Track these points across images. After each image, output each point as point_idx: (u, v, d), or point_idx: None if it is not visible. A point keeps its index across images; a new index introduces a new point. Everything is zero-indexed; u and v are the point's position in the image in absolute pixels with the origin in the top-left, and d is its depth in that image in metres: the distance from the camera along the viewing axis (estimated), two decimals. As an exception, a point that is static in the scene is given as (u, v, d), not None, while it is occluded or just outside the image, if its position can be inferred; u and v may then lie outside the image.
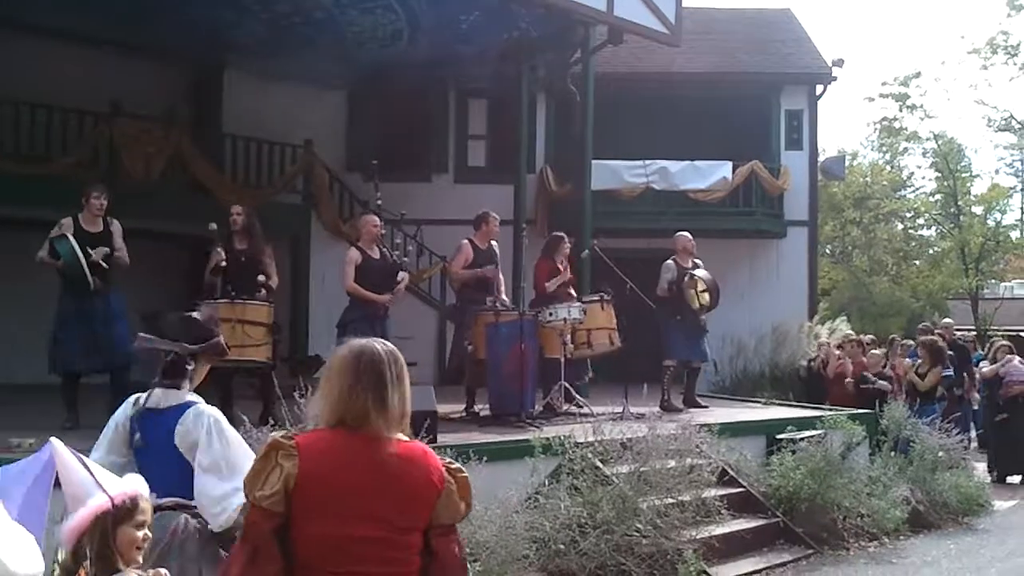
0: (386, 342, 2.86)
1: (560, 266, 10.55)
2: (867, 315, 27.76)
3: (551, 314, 9.72)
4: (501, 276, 10.09)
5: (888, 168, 35.44)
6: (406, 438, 2.79)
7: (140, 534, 3.05)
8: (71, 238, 8.10)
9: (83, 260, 8.04)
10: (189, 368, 3.95)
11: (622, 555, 6.93)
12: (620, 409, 9.77)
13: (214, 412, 3.85)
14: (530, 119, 15.49)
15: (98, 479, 3.06)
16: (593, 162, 13.64)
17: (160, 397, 3.91)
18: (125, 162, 13.27)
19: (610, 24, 12.84)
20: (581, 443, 7.74)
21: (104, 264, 8.23)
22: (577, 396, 10.03)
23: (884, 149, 35.86)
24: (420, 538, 2.74)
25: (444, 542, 2.78)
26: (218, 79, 15.56)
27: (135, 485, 3.14)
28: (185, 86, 15.64)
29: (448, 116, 17.73)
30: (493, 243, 10.04)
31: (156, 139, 13.84)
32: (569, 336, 9.84)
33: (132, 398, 4.03)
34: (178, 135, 14.04)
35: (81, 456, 3.15)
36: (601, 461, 7.67)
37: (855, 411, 10.96)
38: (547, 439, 7.68)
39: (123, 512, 3.03)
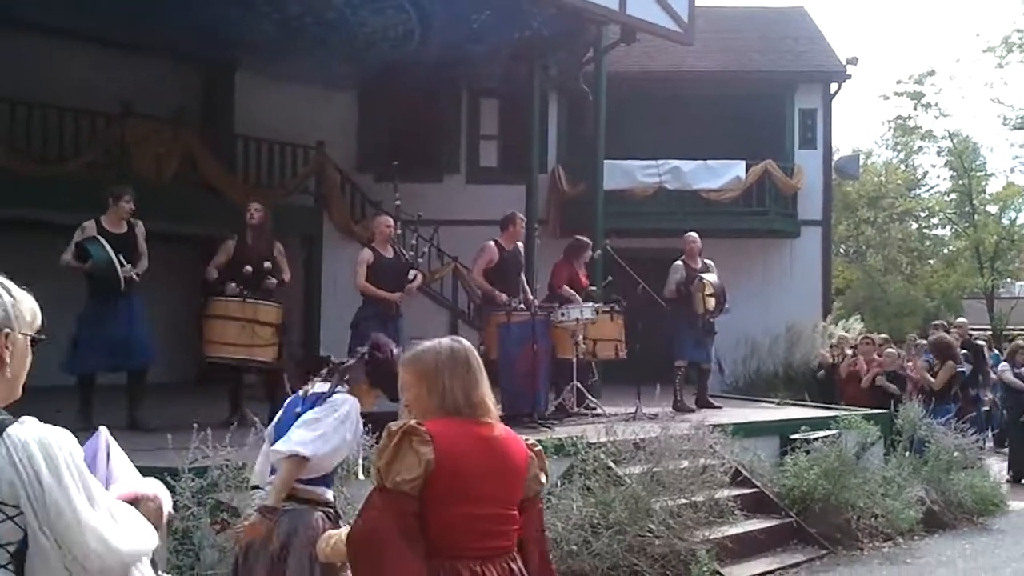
0: (459, 339, 3.09)
1: (579, 271, 10.51)
2: (881, 315, 27.65)
3: (563, 314, 9.69)
4: (524, 279, 10.08)
5: (902, 167, 35.29)
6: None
7: None
8: (103, 240, 8.10)
9: (116, 262, 8.03)
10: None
11: (635, 556, 6.90)
12: (633, 409, 9.76)
13: None
14: (542, 119, 15.47)
15: (109, 482, 3.05)
16: (605, 162, 13.62)
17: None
18: (136, 163, 13.29)
19: (622, 23, 12.82)
20: (594, 443, 7.72)
21: (136, 277, 8.25)
22: (589, 397, 10.00)
23: (898, 148, 35.70)
24: (517, 513, 2.96)
25: (535, 511, 3.04)
26: (229, 80, 15.58)
27: (133, 487, 3.12)
28: (196, 87, 15.66)
29: (460, 116, 17.72)
30: (519, 244, 10.00)
31: (166, 140, 13.88)
32: (581, 337, 9.81)
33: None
34: (188, 136, 14.07)
35: (110, 452, 3.14)
36: (614, 461, 7.65)
37: (869, 411, 10.90)
38: (559, 439, 7.66)
39: None
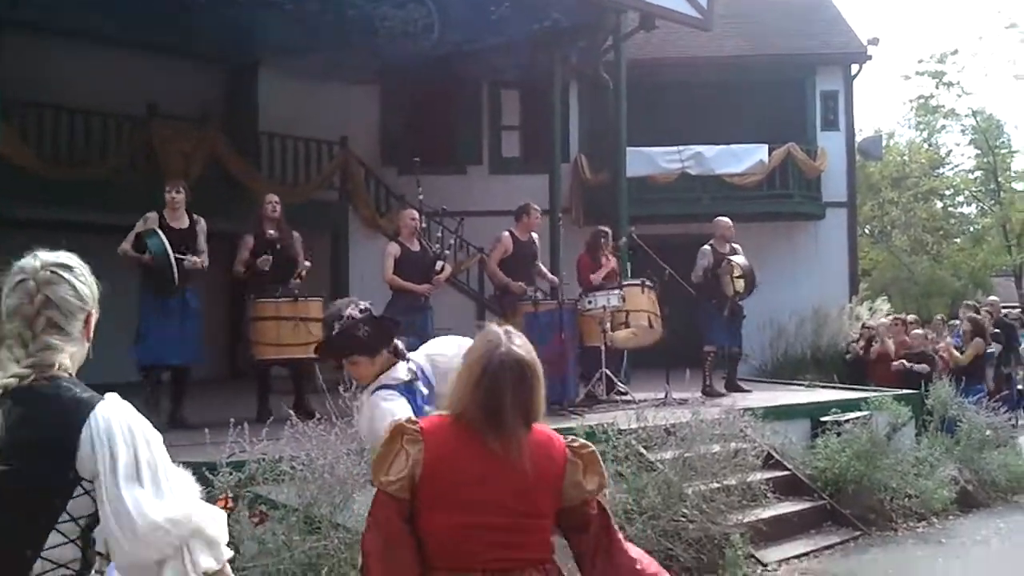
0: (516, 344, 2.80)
1: (604, 259, 10.54)
2: (908, 295, 27.46)
3: (590, 302, 9.73)
4: (542, 266, 10.14)
5: (926, 146, 35.00)
6: None
7: None
8: (160, 233, 8.11)
9: (172, 256, 8.05)
10: None
11: (669, 540, 6.92)
12: (662, 395, 9.78)
13: None
14: (563, 108, 15.45)
15: None
16: (628, 149, 13.61)
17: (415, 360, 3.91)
18: (163, 163, 13.41)
19: (642, 10, 12.82)
20: (624, 430, 7.73)
21: (195, 264, 8.31)
22: (619, 383, 10.03)
23: (921, 127, 35.40)
24: (550, 523, 2.71)
25: (590, 519, 2.75)
26: (252, 78, 15.67)
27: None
28: (220, 86, 15.76)
29: (481, 107, 17.72)
30: (533, 235, 10.05)
31: (192, 139, 13.99)
32: (609, 324, 9.83)
33: (403, 373, 3.83)
34: (213, 135, 14.18)
35: None
36: (645, 447, 7.67)
37: (900, 392, 10.87)
38: (590, 427, 7.68)
39: None
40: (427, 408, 3.67)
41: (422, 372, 3.82)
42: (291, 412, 6.24)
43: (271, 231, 8.92)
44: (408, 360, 3.86)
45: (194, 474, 3.31)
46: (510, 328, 2.82)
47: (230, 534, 5.64)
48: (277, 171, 15.40)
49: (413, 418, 2.74)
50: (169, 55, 14.30)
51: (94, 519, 2.07)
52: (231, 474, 5.78)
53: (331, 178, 15.85)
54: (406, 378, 3.79)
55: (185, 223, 8.43)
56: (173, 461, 3.30)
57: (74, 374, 2.23)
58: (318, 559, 5.35)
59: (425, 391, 3.83)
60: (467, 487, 2.57)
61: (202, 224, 8.56)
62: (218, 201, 13.43)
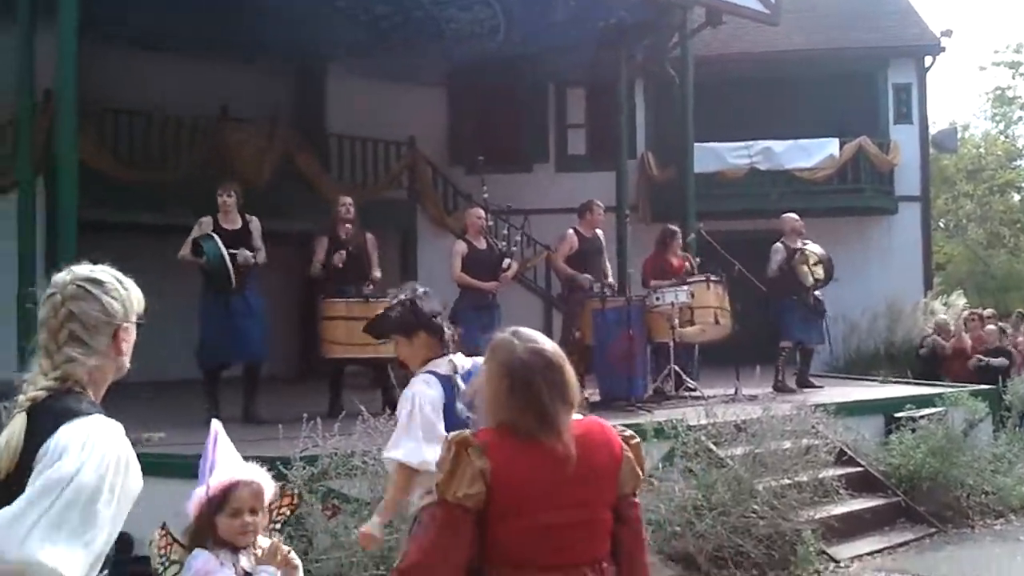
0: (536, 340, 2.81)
1: (673, 260, 10.49)
2: (985, 289, 26.89)
3: (658, 298, 9.71)
4: (608, 264, 10.14)
5: (1002, 138, 34.22)
6: (580, 416, 2.76)
7: (238, 522, 3.17)
8: (216, 237, 8.34)
9: (227, 259, 8.25)
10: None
11: (739, 537, 6.89)
12: (732, 391, 9.72)
13: None
14: (629, 105, 15.44)
15: (211, 468, 3.23)
16: (695, 145, 13.53)
17: (462, 360, 3.90)
18: (236, 165, 13.67)
19: (708, 6, 12.74)
20: (694, 426, 7.72)
21: (253, 261, 8.50)
22: (687, 380, 9.99)
23: (997, 119, 34.63)
24: (611, 516, 2.74)
25: (633, 510, 2.80)
26: (321, 80, 15.90)
27: (232, 473, 3.27)
28: (290, 89, 16.01)
29: (547, 106, 17.75)
30: (598, 231, 10.07)
31: (263, 141, 14.24)
32: (677, 320, 9.79)
33: (444, 367, 3.86)
34: (284, 136, 14.42)
35: (217, 442, 3.30)
36: (715, 443, 7.64)
37: (976, 387, 10.65)
38: (659, 423, 7.67)
39: (215, 504, 3.18)
40: (462, 408, 3.68)
41: (468, 375, 3.78)
42: (361, 408, 6.33)
43: (345, 233, 9.05)
44: (450, 355, 3.89)
45: (269, 469, 3.43)
46: (515, 328, 2.82)
47: (304, 527, 5.76)
48: (346, 172, 15.62)
49: (473, 431, 2.72)
50: (240, 59, 14.56)
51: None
52: (304, 468, 5.90)
53: (399, 178, 16.02)
54: (444, 372, 3.82)
55: (238, 224, 8.63)
56: (246, 456, 3.41)
57: (102, 389, 2.28)
58: (390, 552, 5.41)
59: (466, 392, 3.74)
60: (532, 490, 2.59)
61: (255, 223, 8.74)
62: (288, 202, 13.68)
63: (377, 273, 9.20)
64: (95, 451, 2.05)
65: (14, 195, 9.97)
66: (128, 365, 2.38)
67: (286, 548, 3.26)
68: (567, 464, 2.59)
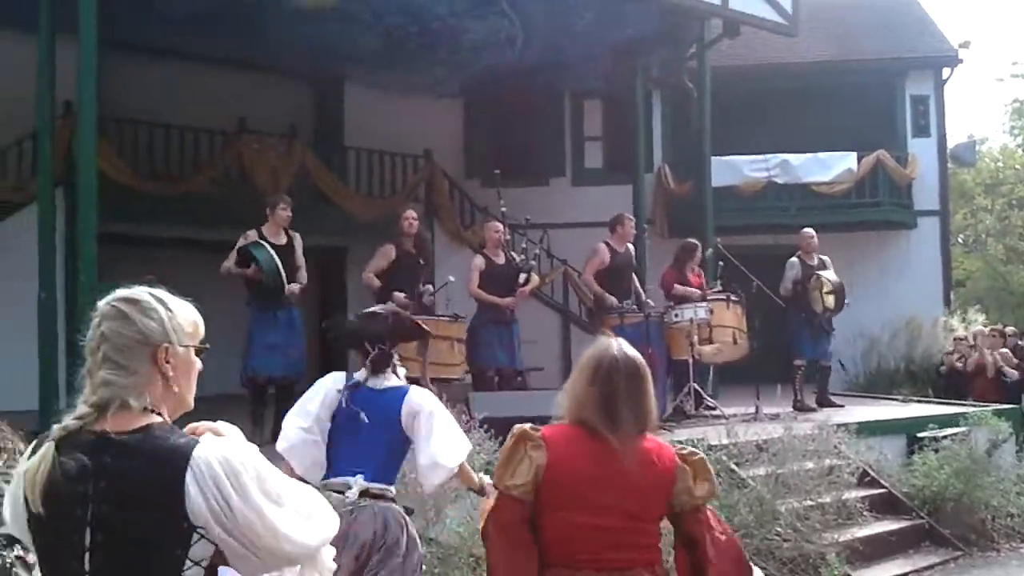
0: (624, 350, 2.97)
1: (691, 274, 10.40)
2: (1005, 305, 26.67)
3: (677, 315, 9.62)
4: (636, 280, 10.03)
5: (1021, 151, 33.98)
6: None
7: None
8: (267, 245, 8.24)
9: (281, 268, 8.17)
10: (394, 357, 4.19)
11: (763, 559, 6.80)
12: (753, 410, 9.62)
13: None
14: (646, 118, 15.38)
15: None
16: (712, 158, 13.45)
17: (377, 380, 4.12)
18: (254, 178, 13.65)
19: (725, 17, 12.67)
20: (715, 446, 7.63)
21: (297, 291, 8.46)
22: (707, 398, 9.89)
23: (1016, 132, 34.40)
24: (658, 528, 2.91)
25: (696, 525, 2.92)
26: (338, 93, 15.89)
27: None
28: (307, 102, 16.01)
29: (563, 119, 17.68)
30: (629, 245, 9.97)
31: (280, 154, 14.23)
32: (696, 337, 9.69)
33: (337, 376, 4.22)
34: (301, 149, 14.40)
35: None
36: (736, 464, 7.56)
37: (1000, 406, 10.52)
38: (679, 442, 7.55)
39: None
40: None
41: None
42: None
43: (410, 248, 8.98)
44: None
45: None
46: (620, 339, 3.01)
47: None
48: (363, 184, 15.58)
49: (535, 425, 2.88)
50: (258, 72, 14.56)
51: (218, 557, 2.06)
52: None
53: (416, 191, 15.97)
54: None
55: (283, 239, 8.56)
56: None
57: (169, 415, 2.17)
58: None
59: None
60: (585, 489, 2.75)
61: (298, 239, 8.69)
62: (305, 216, 13.64)
63: (429, 288, 9.13)
64: (239, 464, 2.09)
65: (34, 207, 9.96)
66: (190, 399, 2.25)
67: None
68: (620, 468, 2.75)
